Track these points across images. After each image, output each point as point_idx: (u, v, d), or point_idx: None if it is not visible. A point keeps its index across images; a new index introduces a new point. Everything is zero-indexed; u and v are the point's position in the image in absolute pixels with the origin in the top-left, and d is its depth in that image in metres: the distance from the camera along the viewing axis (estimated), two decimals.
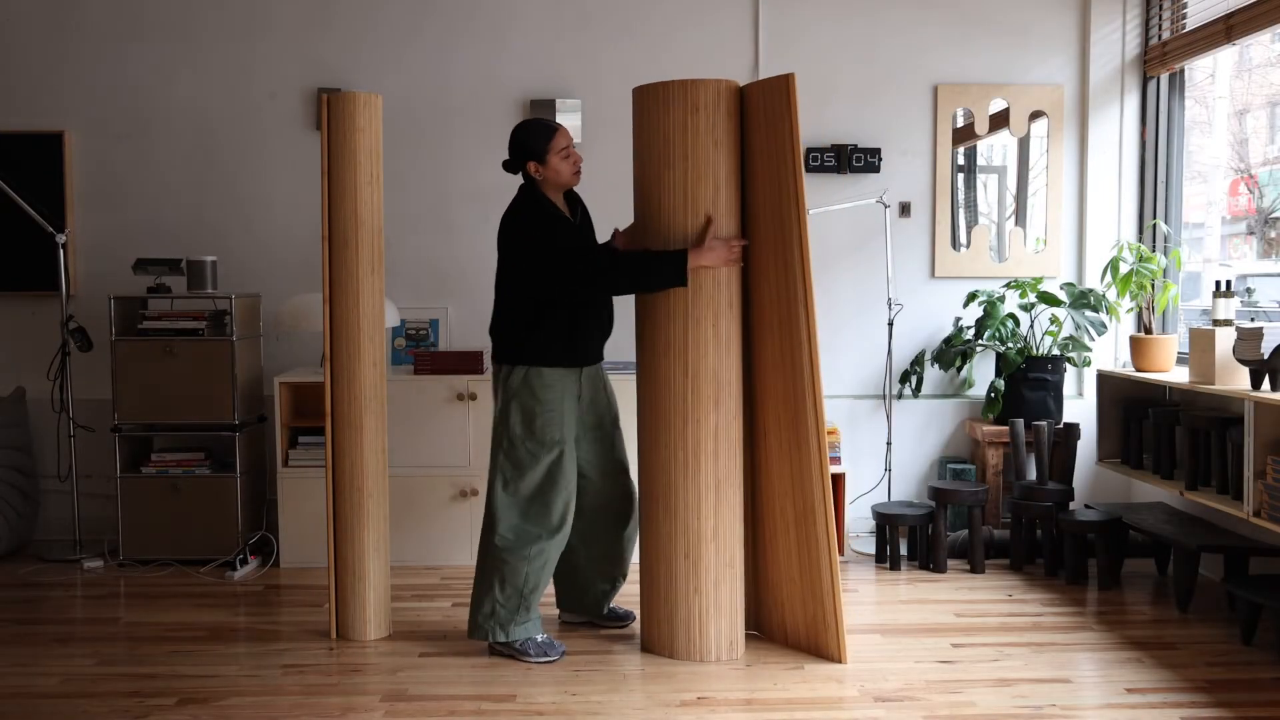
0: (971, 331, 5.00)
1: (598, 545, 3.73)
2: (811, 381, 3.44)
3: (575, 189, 3.65)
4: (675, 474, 3.49)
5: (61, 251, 4.84)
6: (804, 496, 3.53)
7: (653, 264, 3.42)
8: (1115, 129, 5.13)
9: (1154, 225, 5.02)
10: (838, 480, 4.75)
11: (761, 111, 3.62)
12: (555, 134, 3.50)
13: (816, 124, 5.08)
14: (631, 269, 3.44)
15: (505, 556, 3.51)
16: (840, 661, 3.48)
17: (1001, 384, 4.90)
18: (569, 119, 5.00)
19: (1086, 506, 4.76)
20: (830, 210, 4.99)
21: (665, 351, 3.51)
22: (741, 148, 3.59)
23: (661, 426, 3.52)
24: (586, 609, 3.83)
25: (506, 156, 3.61)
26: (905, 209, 5.17)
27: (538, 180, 3.53)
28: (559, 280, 3.43)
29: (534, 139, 3.50)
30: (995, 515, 4.88)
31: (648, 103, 3.52)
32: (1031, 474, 4.78)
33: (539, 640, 3.56)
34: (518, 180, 3.63)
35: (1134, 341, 4.64)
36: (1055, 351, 4.94)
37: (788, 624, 3.66)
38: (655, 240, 3.52)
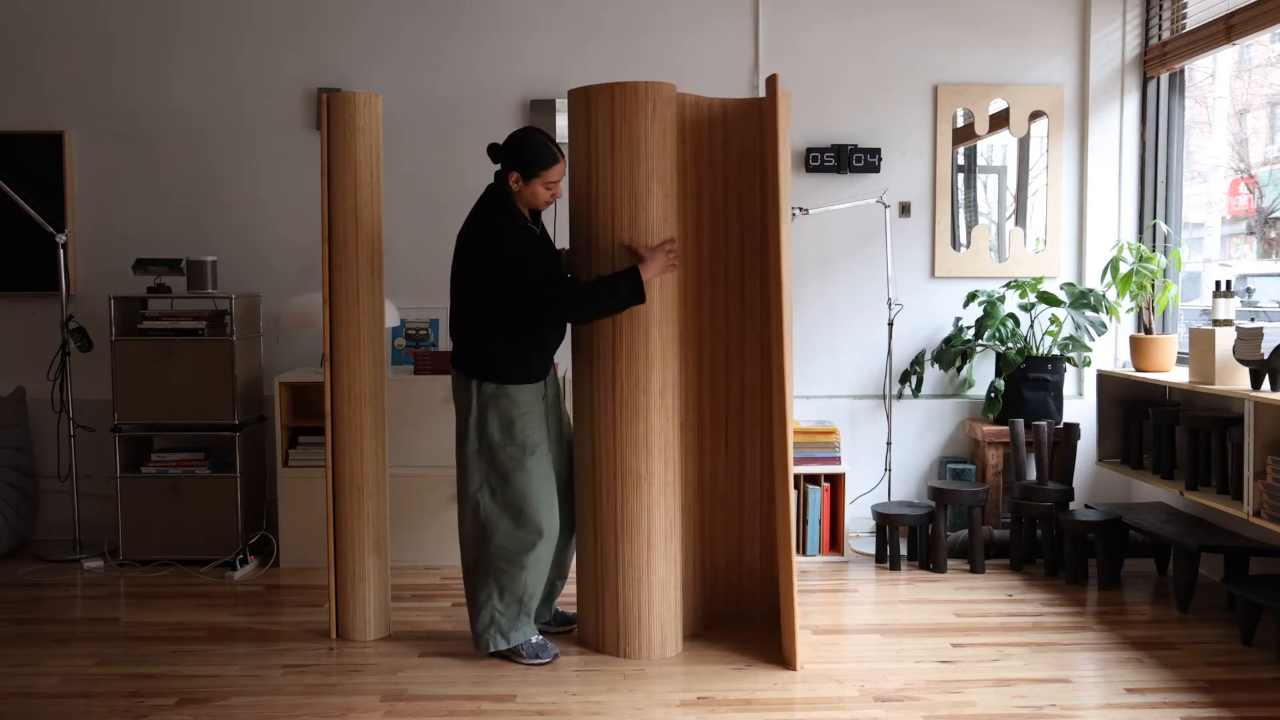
0: (971, 331, 5.00)
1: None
2: (781, 386, 3.46)
3: None
4: (604, 471, 3.52)
5: (61, 251, 4.84)
6: (770, 499, 3.55)
7: (608, 287, 3.42)
8: (1115, 129, 5.13)
9: (1154, 225, 5.02)
10: (838, 480, 4.76)
11: (755, 116, 3.64)
12: (554, 165, 3.45)
13: (817, 124, 5.08)
14: (590, 297, 3.42)
15: (503, 566, 3.50)
16: (793, 669, 3.46)
17: (1001, 384, 4.90)
18: (568, 119, 4.98)
19: (1086, 506, 4.76)
20: (830, 210, 4.99)
21: (598, 353, 3.52)
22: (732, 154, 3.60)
23: (594, 425, 3.54)
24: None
25: (562, 152, 3.53)
26: (905, 209, 5.17)
27: (513, 191, 3.49)
28: (522, 312, 3.41)
29: (536, 158, 3.43)
30: (995, 515, 4.88)
31: (577, 105, 3.52)
32: (1031, 474, 4.78)
33: (533, 641, 3.56)
34: None
35: (1134, 341, 4.64)
36: (1055, 351, 4.94)
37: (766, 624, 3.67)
38: (582, 243, 3.55)
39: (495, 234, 3.43)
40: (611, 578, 3.55)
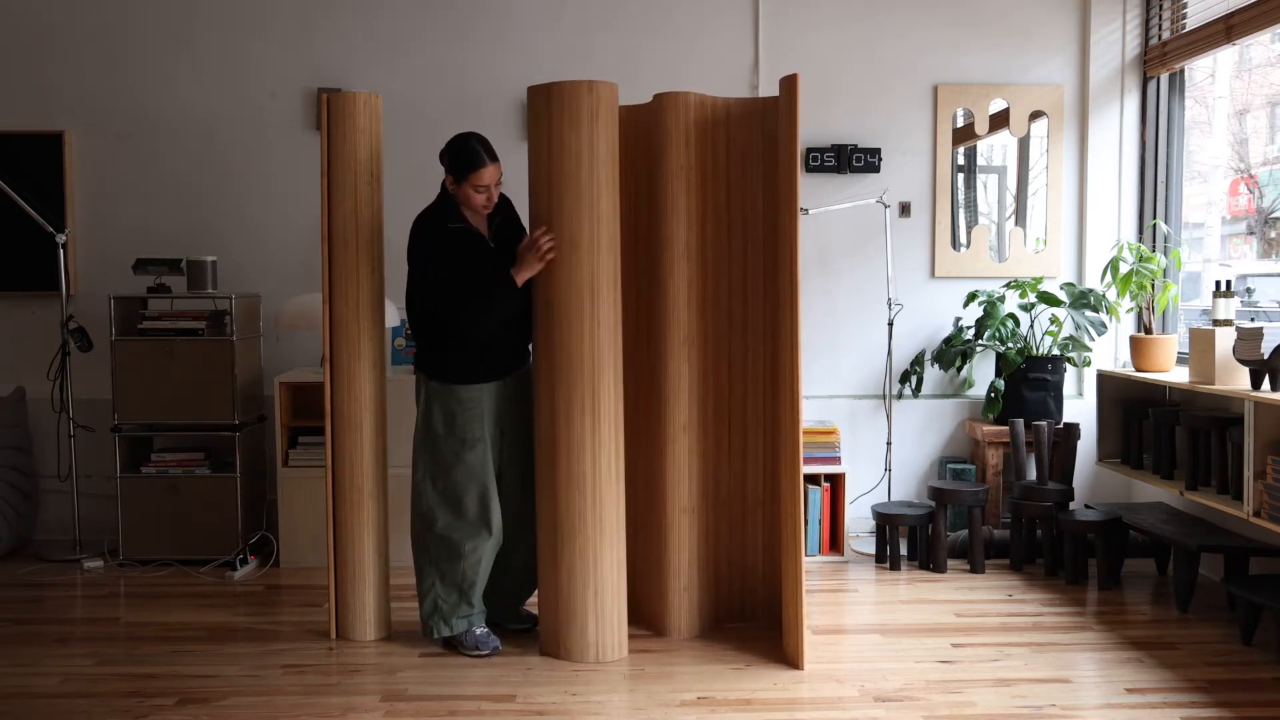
0: (971, 331, 5.00)
1: (514, 547, 3.72)
2: (792, 383, 3.46)
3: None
4: (551, 473, 3.53)
5: (61, 251, 4.84)
6: (779, 499, 3.55)
7: (491, 295, 3.45)
8: (1115, 129, 5.13)
9: (1154, 225, 5.02)
10: (838, 480, 4.76)
11: (759, 116, 3.65)
12: (479, 170, 3.46)
13: (817, 124, 5.07)
14: (479, 306, 3.45)
15: (444, 554, 3.57)
16: (798, 668, 3.46)
17: (1001, 384, 4.90)
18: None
19: (1086, 506, 4.76)
20: (830, 210, 4.99)
21: (541, 351, 3.54)
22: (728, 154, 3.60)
23: (542, 423, 3.56)
24: (494, 609, 3.78)
25: (494, 154, 3.54)
26: (905, 209, 5.17)
27: (451, 193, 3.54)
28: (435, 308, 3.47)
29: (461, 161, 3.47)
30: (995, 515, 4.88)
31: (530, 103, 3.52)
32: (1031, 474, 4.78)
33: (477, 633, 3.60)
34: (517, 181, 3.63)
35: (1134, 341, 4.64)
36: (1055, 351, 4.94)
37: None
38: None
39: (414, 235, 3.55)
40: (549, 578, 3.58)
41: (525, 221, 3.69)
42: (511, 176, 3.76)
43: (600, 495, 3.48)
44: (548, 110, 3.45)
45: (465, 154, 3.47)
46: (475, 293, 3.46)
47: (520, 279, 3.46)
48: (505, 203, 3.67)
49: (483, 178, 3.47)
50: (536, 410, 3.57)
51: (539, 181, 3.50)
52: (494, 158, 3.50)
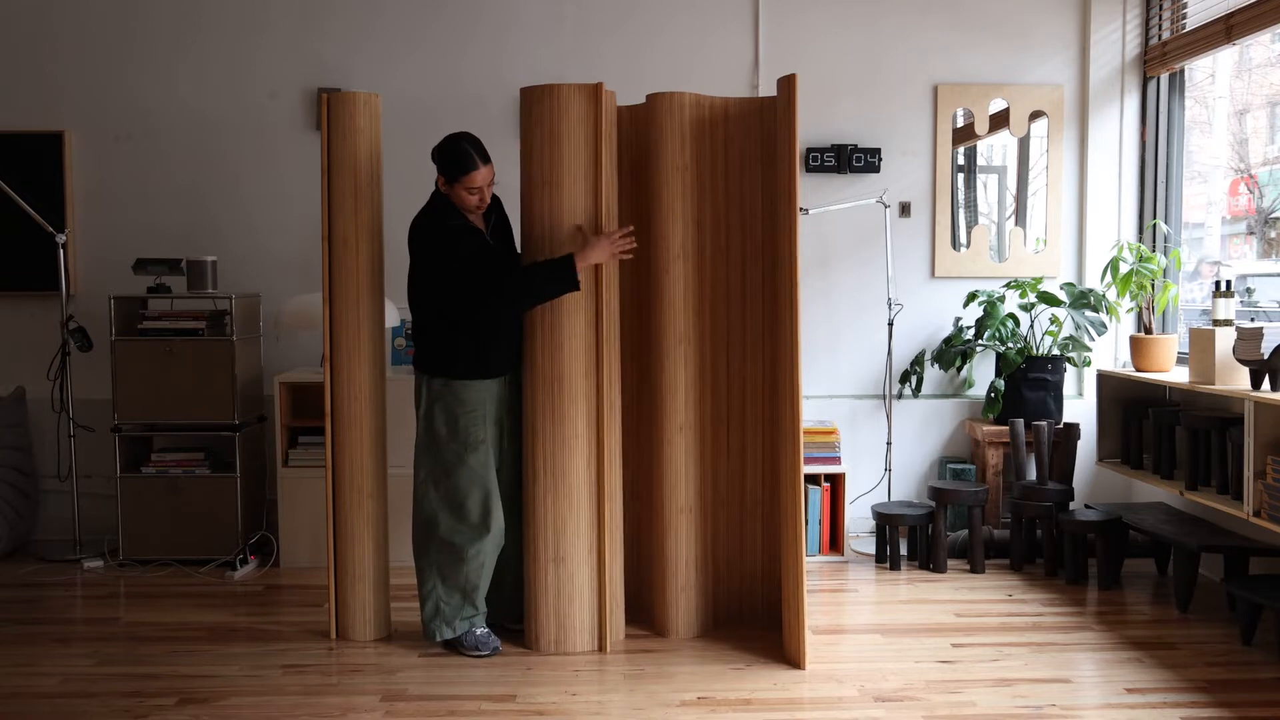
0: (971, 331, 5.00)
1: (513, 547, 3.72)
2: (792, 384, 3.47)
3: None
4: (535, 468, 3.59)
5: (61, 251, 4.84)
6: (778, 499, 3.56)
7: (541, 275, 3.44)
8: (1115, 129, 5.13)
9: (1154, 225, 5.02)
10: (838, 480, 4.76)
11: (757, 116, 3.65)
12: (471, 173, 3.45)
13: (817, 124, 5.07)
14: (522, 284, 3.45)
15: (446, 557, 3.58)
16: (800, 668, 3.47)
17: (1001, 384, 4.90)
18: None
19: (1086, 506, 4.76)
20: (830, 210, 4.99)
21: (527, 349, 3.58)
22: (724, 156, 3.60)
23: (529, 423, 3.62)
24: (494, 609, 3.77)
25: (486, 156, 3.53)
26: (905, 209, 5.17)
27: (444, 192, 3.54)
28: (457, 302, 3.46)
29: (453, 163, 3.47)
30: (995, 515, 4.88)
31: (523, 103, 3.58)
32: (1031, 474, 4.78)
33: (477, 633, 3.60)
34: (516, 182, 3.64)
35: (1134, 341, 4.64)
36: (1055, 351, 4.94)
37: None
38: (529, 239, 3.59)
39: (418, 233, 3.54)
40: (528, 572, 3.66)
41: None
42: (512, 176, 3.74)
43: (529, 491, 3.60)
44: (524, 112, 3.55)
45: (457, 156, 3.46)
46: (523, 277, 3.45)
47: (585, 262, 3.43)
48: (496, 201, 3.67)
49: (474, 180, 3.46)
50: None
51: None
52: (486, 159, 3.49)
